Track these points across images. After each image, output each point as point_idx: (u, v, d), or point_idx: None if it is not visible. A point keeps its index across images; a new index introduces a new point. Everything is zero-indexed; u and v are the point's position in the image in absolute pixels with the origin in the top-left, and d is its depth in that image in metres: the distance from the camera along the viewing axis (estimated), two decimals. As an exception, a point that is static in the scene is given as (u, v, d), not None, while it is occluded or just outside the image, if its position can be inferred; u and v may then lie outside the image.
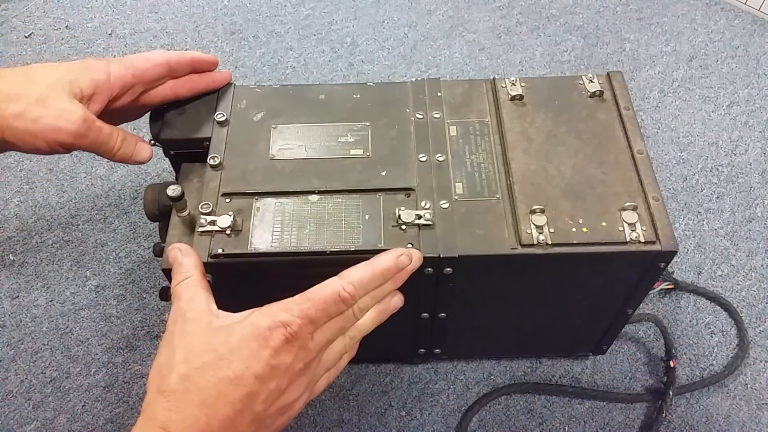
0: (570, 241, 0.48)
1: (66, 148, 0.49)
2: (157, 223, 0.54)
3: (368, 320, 0.45)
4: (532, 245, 0.48)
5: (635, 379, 0.66)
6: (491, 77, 0.59)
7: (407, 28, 0.94)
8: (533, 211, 0.49)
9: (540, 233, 0.48)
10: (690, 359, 0.67)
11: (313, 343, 0.42)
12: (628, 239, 0.48)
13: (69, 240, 0.75)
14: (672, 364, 0.64)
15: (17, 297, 0.71)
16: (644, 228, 0.49)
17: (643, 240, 0.48)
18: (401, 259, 0.45)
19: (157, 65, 0.53)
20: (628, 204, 0.49)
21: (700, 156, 0.81)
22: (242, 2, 0.96)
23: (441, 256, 0.48)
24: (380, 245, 0.48)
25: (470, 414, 0.64)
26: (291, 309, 0.41)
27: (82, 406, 0.65)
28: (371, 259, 0.45)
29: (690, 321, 0.70)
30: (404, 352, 0.65)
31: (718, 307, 0.70)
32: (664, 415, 0.63)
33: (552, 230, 0.49)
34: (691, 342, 0.68)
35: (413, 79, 0.58)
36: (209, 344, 0.39)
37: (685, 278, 0.72)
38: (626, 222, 0.49)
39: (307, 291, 0.42)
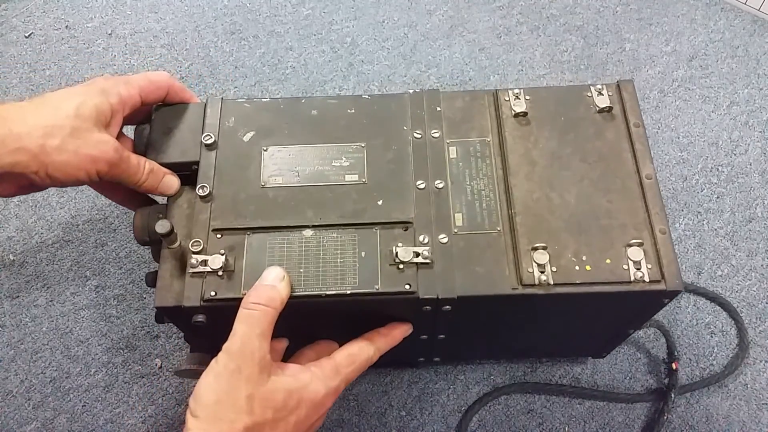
0: (572, 281, 0.46)
1: (102, 177, 0.48)
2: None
3: None
4: (533, 285, 0.46)
5: (635, 380, 0.66)
6: (493, 88, 0.55)
7: (407, 28, 0.94)
8: (535, 248, 0.47)
9: (542, 272, 0.46)
10: (690, 359, 0.67)
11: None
12: (632, 279, 0.46)
13: (69, 240, 0.75)
14: (674, 367, 0.64)
15: (17, 297, 0.71)
16: (650, 266, 0.47)
17: (648, 279, 0.46)
18: (409, 332, 0.52)
19: (159, 88, 0.52)
20: (633, 240, 0.47)
21: (700, 156, 0.81)
22: (242, 2, 0.96)
23: (439, 297, 0.46)
24: (377, 287, 0.46)
25: (470, 414, 0.64)
26: (340, 372, 0.47)
27: (82, 406, 0.65)
28: (392, 330, 0.51)
29: (690, 321, 0.70)
30: (404, 359, 0.65)
31: (718, 307, 0.70)
32: (665, 417, 0.63)
33: (554, 269, 0.47)
34: (691, 342, 0.68)
35: (411, 91, 0.55)
36: (272, 401, 0.43)
37: (685, 278, 0.72)
38: (631, 260, 0.47)
39: (351, 353, 0.48)
